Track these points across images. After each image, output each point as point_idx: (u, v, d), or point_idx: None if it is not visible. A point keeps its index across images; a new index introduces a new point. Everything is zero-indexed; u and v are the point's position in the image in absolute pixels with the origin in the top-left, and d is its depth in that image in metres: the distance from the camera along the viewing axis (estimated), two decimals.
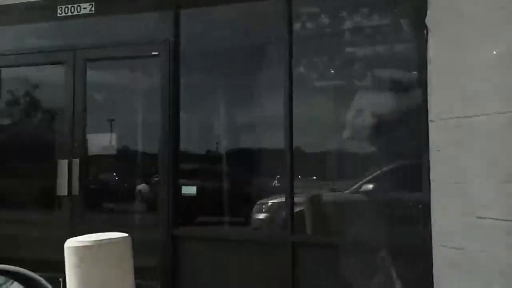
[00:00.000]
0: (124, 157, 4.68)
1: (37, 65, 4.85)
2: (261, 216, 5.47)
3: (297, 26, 4.14)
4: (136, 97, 4.77)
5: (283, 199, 4.16)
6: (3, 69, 4.90)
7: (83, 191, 4.58)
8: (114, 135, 4.66)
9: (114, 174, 4.86)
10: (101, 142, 4.66)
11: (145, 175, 4.69)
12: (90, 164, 4.67)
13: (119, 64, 4.80)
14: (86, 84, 4.68)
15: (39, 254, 4.36)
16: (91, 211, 4.59)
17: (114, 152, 4.64)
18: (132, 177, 4.72)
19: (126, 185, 4.80)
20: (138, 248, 4.28)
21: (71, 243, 2.89)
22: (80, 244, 2.85)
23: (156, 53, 4.48)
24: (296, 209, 4.08)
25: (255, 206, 4.56)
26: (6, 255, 4.73)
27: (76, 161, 4.59)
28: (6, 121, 5.21)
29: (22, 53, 4.82)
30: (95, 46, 4.67)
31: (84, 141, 4.64)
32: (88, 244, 2.82)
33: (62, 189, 4.61)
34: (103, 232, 3.00)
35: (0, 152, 4.92)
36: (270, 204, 4.67)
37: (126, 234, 2.98)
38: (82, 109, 4.65)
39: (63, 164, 4.63)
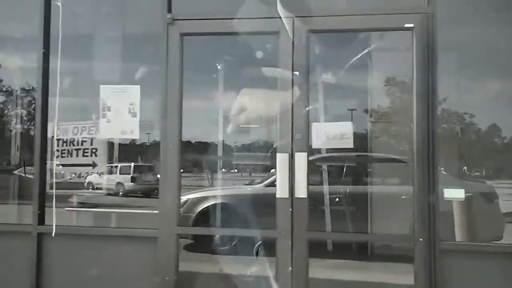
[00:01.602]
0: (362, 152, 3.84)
1: (246, 34, 3.88)
2: None
3: None
4: (376, 80, 3.93)
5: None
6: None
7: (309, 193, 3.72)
8: (348, 125, 3.80)
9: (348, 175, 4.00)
10: (331, 133, 3.80)
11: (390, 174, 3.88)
12: (316, 160, 3.80)
13: (347, 38, 3.93)
14: (308, 62, 3.79)
15: None
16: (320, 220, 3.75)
17: (349, 145, 3.79)
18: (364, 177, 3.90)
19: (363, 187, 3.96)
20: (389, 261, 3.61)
21: None
22: None
23: (411, 25, 3.66)
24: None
25: None
26: None
27: (302, 156, 3.71)
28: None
29: (227, 19, 3.84)
30: (321, 15, 3.79)
31: (308, 131, 3.77)
32: None
33: (282, 190, 3.73)
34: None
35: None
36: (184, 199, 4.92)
37: None
38: (304, 91, 3.76)
39: (283, 159, 3.74)
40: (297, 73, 3.55)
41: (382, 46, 3.99)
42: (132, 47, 4.34)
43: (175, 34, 3.93)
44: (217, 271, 4.17)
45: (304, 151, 3.71)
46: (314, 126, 3.79)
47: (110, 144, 4.26)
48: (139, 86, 4.02)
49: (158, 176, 3.90)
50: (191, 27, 3.94)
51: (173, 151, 3.89)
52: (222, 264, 4.12)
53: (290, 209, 3.72)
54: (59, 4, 4.02)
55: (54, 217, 4.06)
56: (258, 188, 5.57)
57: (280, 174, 3.73)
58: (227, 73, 4.27)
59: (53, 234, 4.02)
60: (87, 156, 4.31)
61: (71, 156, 4.34)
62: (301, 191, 3.71)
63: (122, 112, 4.03)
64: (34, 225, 4.08)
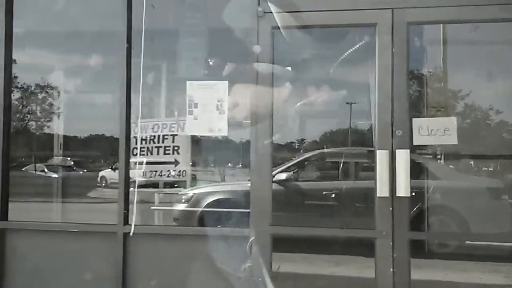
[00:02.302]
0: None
1: (340, 26, 3.74)
2: (180, 206, 5.13)
3: None
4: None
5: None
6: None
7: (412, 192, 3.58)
8: (451, 120, 3.65)
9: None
10: (433, 128, 3.64)
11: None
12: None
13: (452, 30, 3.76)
14: (408, 55, 3.64)
15: None
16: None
17: (453, 142, 3.63)
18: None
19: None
20: None
21: None
22: None
23: None
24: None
25: (176, 197, 4.62)
26: None
27: (403, 153, 3.57)
28: None
29: (321, 11, 3.69)
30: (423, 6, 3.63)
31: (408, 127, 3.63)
32: None
33: (383, 189, 3.59)
34: None
35: None
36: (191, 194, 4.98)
37: None
38: (403, 83, 3.61)
39: (383, 157, 3.60)
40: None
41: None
42: (219, 42, 4.20)
43: (266, 27, 3.79)
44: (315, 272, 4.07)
45: (406, 148, 3.57)
46: (415, 122, 3.65)
47: (193, 142, 4.13)
48: (227, 82, 3.90)
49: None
50: (283, 20, 3.80)
51: (265, 150, 3.77)
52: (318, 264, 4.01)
53: (391, 209, 3.59)
54: None
55: (134, 217, 3.99)
56: None
57: (380, 172, 3.60)
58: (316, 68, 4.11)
59: (131, 234, 3.95)
60: (168, 154, 4.21)
61: (151, 154, 4.24)
62: (403, 190, 3.57)
63: (209, 109, 3.91)
64: (119, 225, 4.00)
